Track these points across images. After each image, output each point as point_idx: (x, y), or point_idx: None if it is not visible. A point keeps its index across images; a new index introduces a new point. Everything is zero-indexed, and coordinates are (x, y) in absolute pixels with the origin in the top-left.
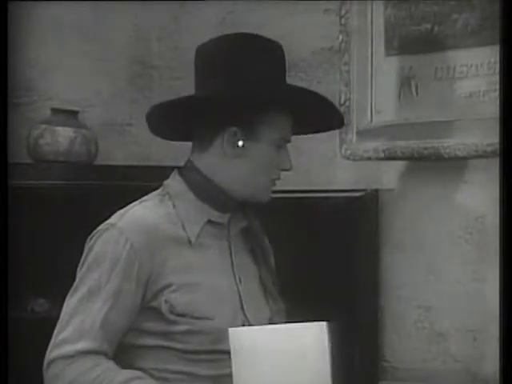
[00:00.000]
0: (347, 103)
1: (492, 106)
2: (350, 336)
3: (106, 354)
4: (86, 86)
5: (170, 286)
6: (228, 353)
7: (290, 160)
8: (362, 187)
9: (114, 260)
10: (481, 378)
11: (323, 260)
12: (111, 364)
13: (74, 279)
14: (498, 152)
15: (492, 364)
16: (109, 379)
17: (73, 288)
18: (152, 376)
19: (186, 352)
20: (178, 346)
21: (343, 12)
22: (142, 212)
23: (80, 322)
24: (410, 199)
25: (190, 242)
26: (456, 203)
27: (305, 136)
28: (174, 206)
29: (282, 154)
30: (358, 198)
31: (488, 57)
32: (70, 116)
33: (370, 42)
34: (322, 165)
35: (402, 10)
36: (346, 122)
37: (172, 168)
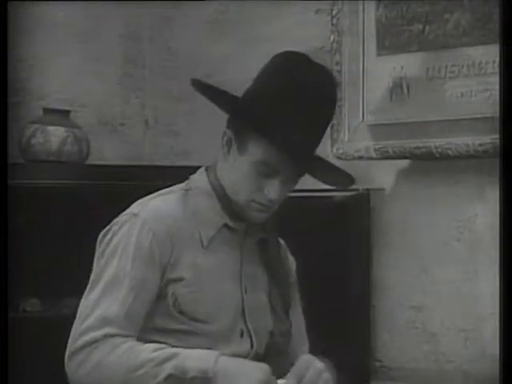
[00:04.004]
0: (339, 103)
1: (483, 106)
2: (341, 336)
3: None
4: (78, 85)
5: (181, 279)
6: None
7: (275, 192)
8: (354, 187)
9: (137, 248)
10: (472, 377)
11: (314, 260)
12: (135, 341)
13: (66, 279)
14: (489, 152)
15: (484, 363)
16: (135, 354)
17: (91, 283)
18: None
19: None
20: (173, 343)
21: (335, 12)
22: (162, 204)
23: (104, 310)
24: (402, 199)
25: (203, 243)
26: (447, 203)
27: None
28: (194, 204)
29: (270, 183)
30: (350, 197)
31: (479, 57)
32: (61, 116)
33: (361, 41)
34: None
35: (393, 9)
36: (337, 121)
37: (164, 167)
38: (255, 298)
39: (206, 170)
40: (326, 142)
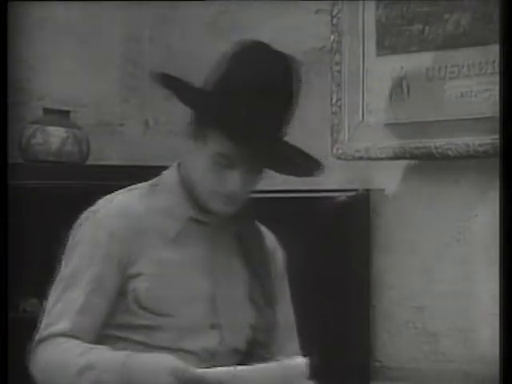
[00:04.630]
0: (339, 103)
1: (483, 106)
2: (341, 336)
3: (80, 338)
4: (78, 85)
5: (139, 275)
6: (191, 352)
7: (235, 184)
8: (354, 187)
9: (94, 245)
10: (473, 377)
11: (314, 260)
12: (76, 343)
13: None
14: (489, 152)
15: (484, 364)
16: (67, 356)
17: (57, 278)
18: None
19: (147, 346)
20: (136, 338)
21: (335, 12)
22: (126, 200)
23: (62, 306)
24: (402, 199)
25: (169, 237)
26: (448, 203)
27: (295, 136)
28: (160, 199)
29: (230, 175)
30: (350, 197)
31: (479, 57)
32: (61, 116)
33: (361, 41)
34: None
35: (393, 10)
36: (337, 121)
37: (164, 168)
38: (230, 291)
39: (178, 165)
40: (326, 142)
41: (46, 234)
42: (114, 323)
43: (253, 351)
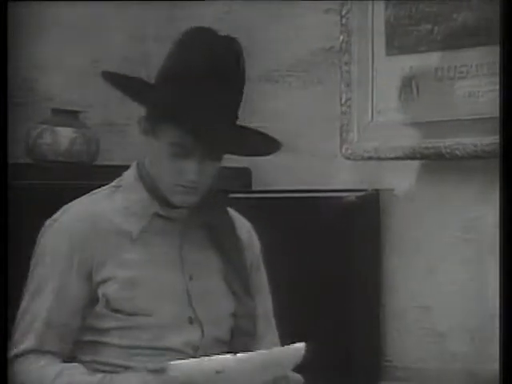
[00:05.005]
0: (348, 103)
1: (492, 106)
2: (351, 335)
3: (51, 352)
4: (86, 86)
5: (108, 279)
6: (169, 349)
7: (194, 172)
8: (363, 187)
9: (55, 255)
10: (480, 377)
11: (324, 260)
12: (49, 361)
13: None
14: (497, 152)
15: (491, 363)
16: (44, 380)
17: (25, 288)
18: (92, 369)
19: (122, 347)
20: (115, 341)
21: (344, 12)
22: (86, 204)
23: (29, 319)
24: (411, 199)
25: (133, 236)
26: (456, 203)
27: (305, 135)
28: (123, 199)
29: (187, 164)
30: (359, 197)
31: (488, 57)
32: (70, 116)
33: (370, 41)
34: (322, 165)
35: (402, 10)
36: (346, 121)
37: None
38: (204, 283)
39: (137, 163)
40: (335, 142)
41: None
42: (91, 329)
43: (237, 340)
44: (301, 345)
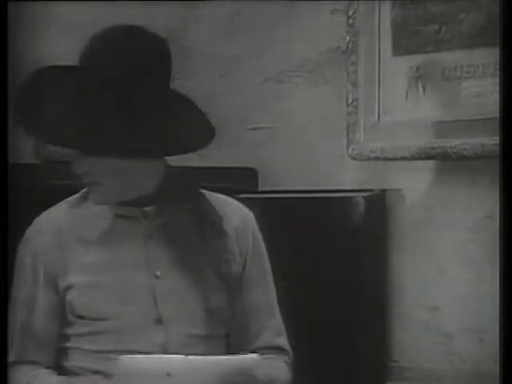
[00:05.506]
0: (354, 103)
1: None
2: (357, 336)
3: (33, 362)
4: None
5: (71, 286)
6: (137, 352)
7: (79, 167)
8: (370, 187)
9: (22, 269)
10: (488, 378)
11: (330, 260)
12: (28, 370)
13: None
14: None
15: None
16: None
17: None
18: (73, 374)
19: (92, 352)
20: (85, 346)
21: (350, 12)
22: (51, 215)
23: (11, 331)
24: (418, 199)
25: (93, 239)
26: (463, 203)
27: (311, 136)
28: (85, 206)
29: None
30: (366, 198)
31: (495, 57)
32: None
33: (377, 42)
34: (329, 165)
35: (409, 10)
36: (353, 122)
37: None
38: (173, 281)
39: None
40: (341, 142)
41: None
42: (65, 336)
43: (219, 335)
44: (255, 355)
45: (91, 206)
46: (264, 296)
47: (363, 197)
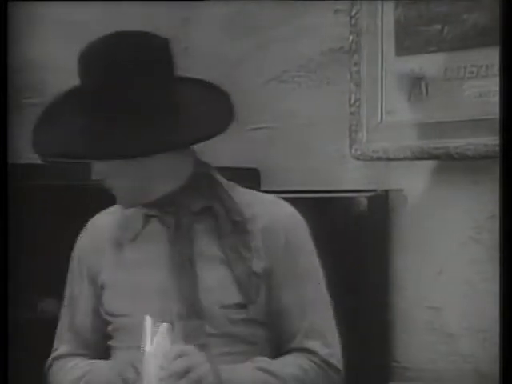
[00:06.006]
0: (357, 103)
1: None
2: (359, 336)
3: (81, 355)
4: None
5: (104, 285)
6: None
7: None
8: (372, 187)
9: (71, 269)
10: (491, 378)
11: (332, 260)
12: (76, 360)
13: None
14: None
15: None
16: (66, 376)
17: None
18: None
19: (116, 349)
20: (114, 343)
21: (353, 12)
22: (98, 217)
23: (60, 326)
24: (420, 199)
25: (128, 240)
26: (466, 203)
27: (314, 136)
28: (122, 208)
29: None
30: (368, 198)
31: (498, 57)
32: None
33: (380, 42)
34: (331, 165)
35: (412, 10)
36: (355, 122)
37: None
38: (194, 278)
39: None
40: (344, 142)
41: (66, 233)
42: (106, 333)
43: (255, 332)
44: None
45: (124, 211)
46: (294, 296)
47: (366, 197)
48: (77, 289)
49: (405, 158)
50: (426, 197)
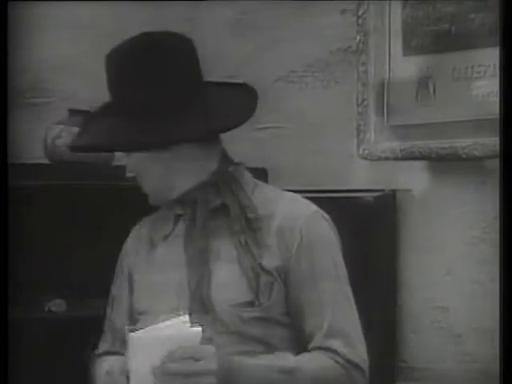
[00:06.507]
0: (365, 103)
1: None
2: (367, 336)
3: (119, 353)
4: (103, 86)
5: (135, 284)
6: None
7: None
8: (380, 187)
9: (116, 270)
10: (498, 378)
11: None
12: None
13: (91, 279)
14: None
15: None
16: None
17: None
18: None
19: None
20: None
21: (361, 12)
22: (144, 218)
23: (105, 324)
24: (428, 199)
25: (161, 239)
26: (473, 203)
27: (322, 136)
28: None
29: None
30: (376, 198)
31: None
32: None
33: (387, 42)
34: (339, 165)
35: (419, 10)
36: (363, 122)
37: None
38: (209, 275)
39: None
40: (352, 142)
41: (72, 234)
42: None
43: (271, 332)
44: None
45: (161, 209)
46: (312, 295)
47: (373, 197)
48: (117, 288)
49: (413, 158)
50: (433, 197)
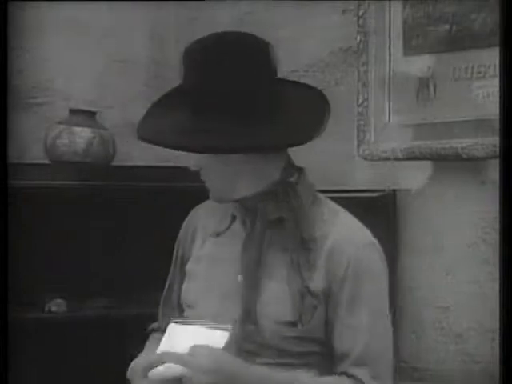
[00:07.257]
0: (365, 103)
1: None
2: None
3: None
4: (104, 86)
5: (186, 273)
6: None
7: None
8: (380, 187)
9: (173, 254)
10: (499, 378)
11: None
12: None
13: (92, 279)
14: None
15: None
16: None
17: None
18: None
19: None
20: None
21: (361, 12)
22: (199, 207)
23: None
24: (428, 199)
25: (215, 235)
26: (473, 203)
27: (322, 136)
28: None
29: None
30: (376, 198)
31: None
32: (88, 116)
33: (388, 42)
34: (339, 165)
35: (420, 10)
36: (363, 122)
37: (188, 169)
38: (256, 286)
39: None
40: (352, 142)
41: (72, 234)
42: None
43: (307, 352)
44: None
45: (219, 205)
46: (346, 321)
47: (374, 197)
48: (172, 275)
49: (413, 158)
50: (433, 197)
